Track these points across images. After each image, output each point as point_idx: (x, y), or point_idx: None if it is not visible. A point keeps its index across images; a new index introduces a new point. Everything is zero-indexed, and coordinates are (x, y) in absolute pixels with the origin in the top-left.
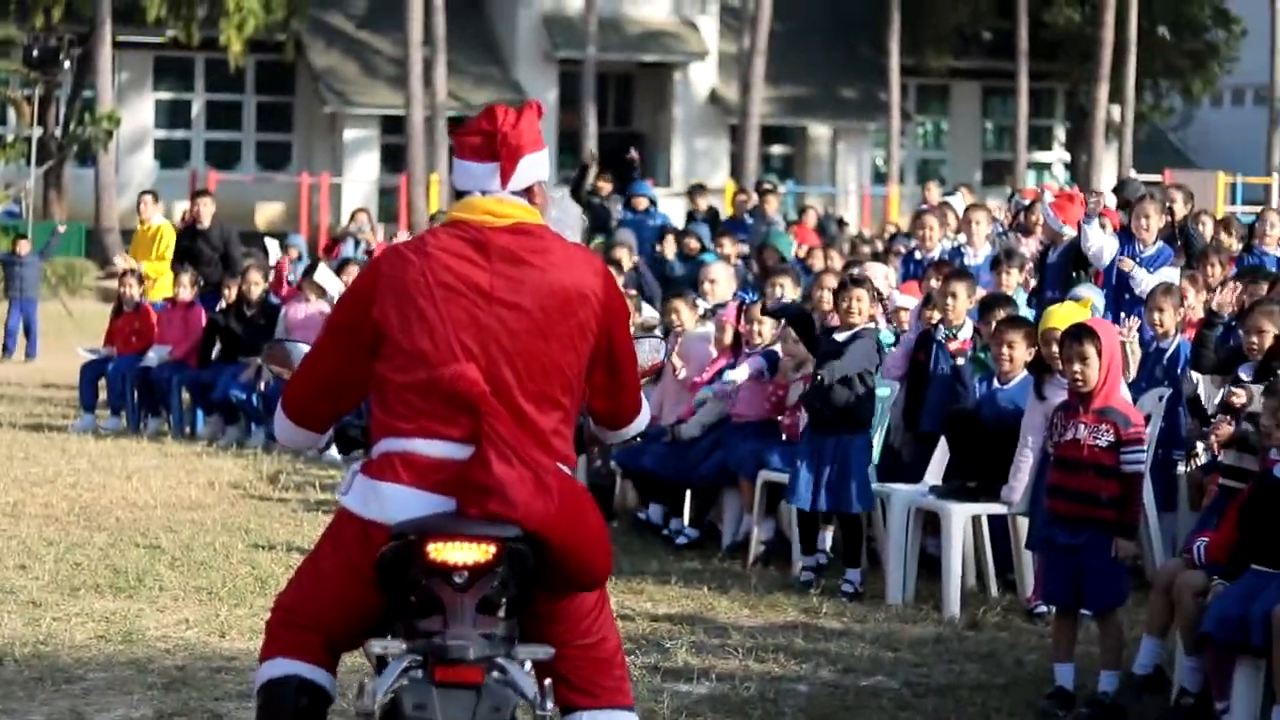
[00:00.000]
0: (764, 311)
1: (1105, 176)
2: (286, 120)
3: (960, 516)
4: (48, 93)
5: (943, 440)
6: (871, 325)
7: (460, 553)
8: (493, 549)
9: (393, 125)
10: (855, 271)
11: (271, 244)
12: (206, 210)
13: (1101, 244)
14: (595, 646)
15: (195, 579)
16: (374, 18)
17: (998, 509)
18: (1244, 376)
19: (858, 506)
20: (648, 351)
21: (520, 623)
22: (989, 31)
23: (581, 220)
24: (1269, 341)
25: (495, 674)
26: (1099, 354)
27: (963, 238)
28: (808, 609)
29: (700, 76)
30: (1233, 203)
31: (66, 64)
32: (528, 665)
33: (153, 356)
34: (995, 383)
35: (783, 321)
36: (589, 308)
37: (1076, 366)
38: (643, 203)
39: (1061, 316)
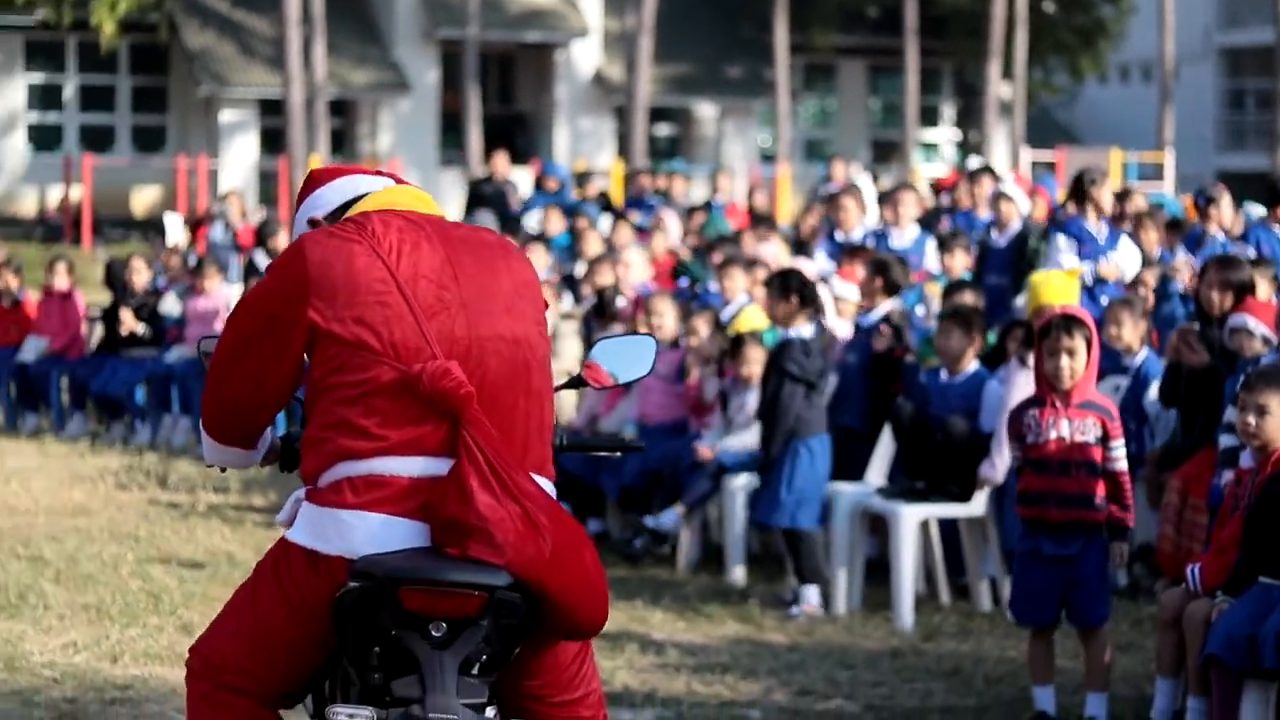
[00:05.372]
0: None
1: (998, 155)
2: (161, 102)
3: (911, 520)
4: None
5: (885, 436)
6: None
7: (440, 602)
8: (477, 598)
9: (271, 107)
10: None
11: (172, 220)
12: None
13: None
14: (579, 703)
15: (82, 595)
16: None
17: (950, 511)
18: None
19: (808, 524)
20: (638, 351)
21: None
22: (876, 8)
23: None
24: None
25: None
26: (1088, 347)
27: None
28: (747, 619)
29: (583, 56)
30: (1127, 180)
31: None
32: None
33: (30, 349)
34: (944, 375)
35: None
36: (542, 297)
37: (1064, 361)
38: (553, 183)
39: (1054, 290)
